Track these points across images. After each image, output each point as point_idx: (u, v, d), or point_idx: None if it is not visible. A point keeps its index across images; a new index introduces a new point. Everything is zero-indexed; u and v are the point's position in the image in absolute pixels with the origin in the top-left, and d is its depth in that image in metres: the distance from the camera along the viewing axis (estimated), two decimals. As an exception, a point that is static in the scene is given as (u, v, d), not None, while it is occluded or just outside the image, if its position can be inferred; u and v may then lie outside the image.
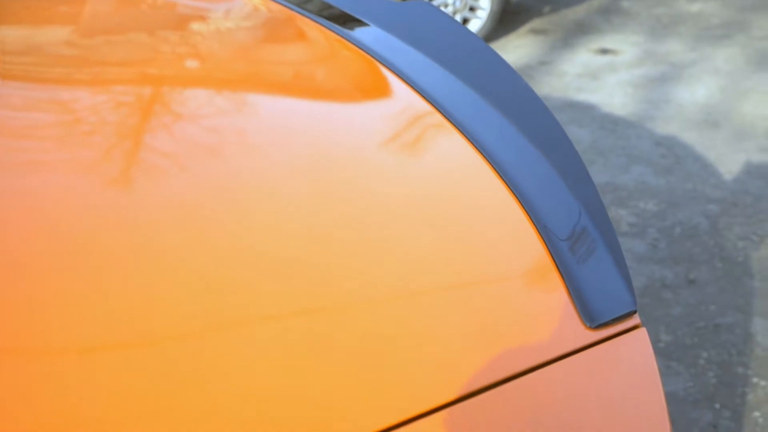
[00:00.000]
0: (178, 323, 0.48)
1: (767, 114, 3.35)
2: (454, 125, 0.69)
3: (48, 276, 0.49)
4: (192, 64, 0.85)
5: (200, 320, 0.48)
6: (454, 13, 4.30)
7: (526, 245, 0.58)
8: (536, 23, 4.68)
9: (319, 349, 0.47)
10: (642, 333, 0.53)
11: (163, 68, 0.81)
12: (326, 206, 0.58)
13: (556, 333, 0.51)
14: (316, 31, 0.91)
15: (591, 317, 0.53)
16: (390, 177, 0.64)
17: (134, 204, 0.56)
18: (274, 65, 0.87)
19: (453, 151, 0.67)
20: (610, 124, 3.29)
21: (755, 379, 1.84)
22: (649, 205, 2.62)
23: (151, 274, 0.50)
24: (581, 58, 4.11)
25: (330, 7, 0.96)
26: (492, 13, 4.29)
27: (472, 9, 4.33)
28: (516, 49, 4.28)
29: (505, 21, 4.54)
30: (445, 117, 0.70)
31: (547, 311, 0.53)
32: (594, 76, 3.84)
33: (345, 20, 0.91)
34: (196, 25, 0.97)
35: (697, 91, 3.64)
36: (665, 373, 1.87)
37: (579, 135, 3.17)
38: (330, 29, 0.89)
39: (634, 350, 0.52)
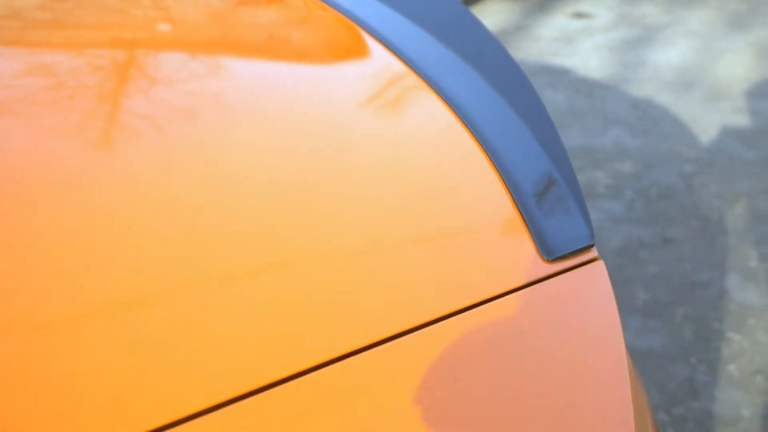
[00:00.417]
0: (154, 277, 0.48)
1: (741, 75, 3.37)
2: (428, 84, 0.70)
3: (25, 242, 0.48)
4: (165, 27, 0.85)
5: (176, 273, 0.48)
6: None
7: (487, 186, 0.60)
8: (512, -11, 4.66)
9: (294, 280, 0.49)
10: (599, 265, 0.55)
11: (137, 31, 0.81)
12: (295, 160, 0.59)
13: (514, 266, 0.53)
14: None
15: (549, 251, 0.55)
16: (361, 132, 0.65)
17: (110, 165, 0.56)
18: (248, 27, 0.87)
19: (425, 107, 0.69)
20: (586, 87, 3.29)
21: (730, 334, 1.87)
22: (626, 167, 2.63)
23: (124, 227, 0.50)
24: (557, 23, 4.10)
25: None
26: (468, -21, 4.27)
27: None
28: (494, 14, 4.25)
29: (480, -13, 4.52)
30: (419, 75, 0.71)
31: (506, 246, 0.55)
32: (570, 40, 3.84)
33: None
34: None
35: (672, 54, 3.64)
36: (643, 330, 1.88)
37: (555, 99, 3.17)
38: None
39: (592, 282, 0.53)
